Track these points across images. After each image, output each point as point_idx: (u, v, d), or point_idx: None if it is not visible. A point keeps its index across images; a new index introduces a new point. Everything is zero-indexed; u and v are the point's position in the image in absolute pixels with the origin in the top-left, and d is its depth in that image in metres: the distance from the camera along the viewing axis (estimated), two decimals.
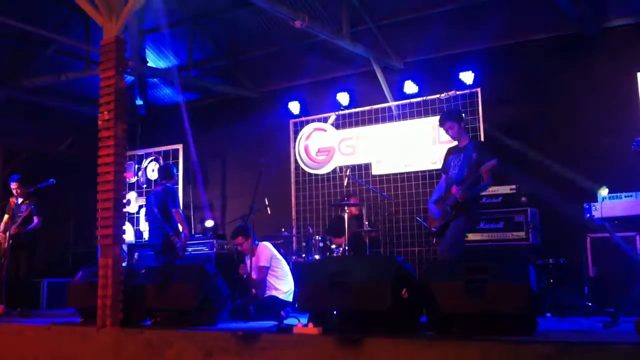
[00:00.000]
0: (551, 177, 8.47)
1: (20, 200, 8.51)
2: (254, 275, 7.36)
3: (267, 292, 7.38)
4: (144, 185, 11.47)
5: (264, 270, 7.35)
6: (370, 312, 4.88)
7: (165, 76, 11.46)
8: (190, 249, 9.41)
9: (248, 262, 7.44)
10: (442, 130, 6.75)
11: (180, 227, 7.97)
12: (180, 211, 8.09)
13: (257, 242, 7.60)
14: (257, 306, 6.97)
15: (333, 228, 8.96)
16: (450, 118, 6.22)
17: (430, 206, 6.27)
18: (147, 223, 8.67)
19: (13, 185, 8.55)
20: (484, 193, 7.67)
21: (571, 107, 8.50)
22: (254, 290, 7.33)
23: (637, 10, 8.15)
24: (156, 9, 10.20)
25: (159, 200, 8.07)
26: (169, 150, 11.33)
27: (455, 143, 6.37)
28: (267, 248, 7.54)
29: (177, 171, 8.71)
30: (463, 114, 6.52)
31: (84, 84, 11.36)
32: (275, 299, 7.25)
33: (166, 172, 8.42)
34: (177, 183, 8.66)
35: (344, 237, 8.24)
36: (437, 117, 6.64)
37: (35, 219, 8.42)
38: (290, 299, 7.43)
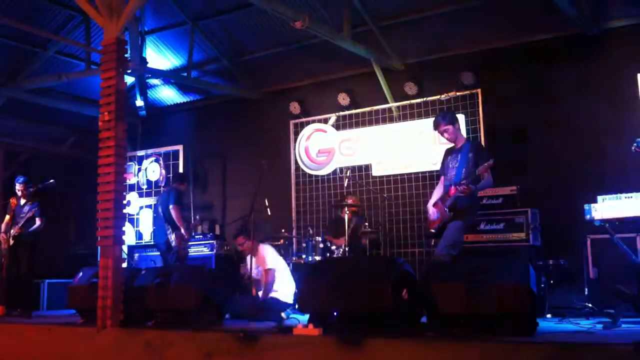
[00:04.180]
0: (551, 177, 8.48)
1: (23, 201, 8.52)
2: (257, 276, 7.37)
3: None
4: (144, 186, 11.48)
5: (271, 273, 7.33)
6: (370, 313, 4.89)
7: (165, 77, 11.48)
8: (190, 250, 9.42)
9: (248, 262, 7.45)
10: None
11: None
12: (179, 209, 8.15)
13: (258, 243, 7.61)
14: (258, 308, 6.96)
15: (332, 228, 8.97)
16: (444, 121, 6.21)
17: (429, 208, 6.27)
18: (154, 223, 8.76)
19: (19, 187, 8.57)
20: (484, 194, 7.70)
21: (571, 107, 8.50)
22: (254, 291, 7.32)
23: (638, 10, 8.16)
24: (157, 10, 10.25)
25: (164, 200, 8.21)
26: (169, 151, 11.33)
27: (452, 144, 6.36)
28: (270, 249, 7.56)
29: (189, 179, 8.96)
30: (457, 115, 6.50)
31: (85, 85, 11.37)
32: (276, 301, 7.25)
33: (177, 178, 8.66)
34: (186, 189, 8.84)
35: (342, 238, 8.24)
36: None
37: (38, 220, 8.44)
38: (290, 300, 7.44)
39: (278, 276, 7.39)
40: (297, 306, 7.32)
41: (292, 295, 7.47)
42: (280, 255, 8.65)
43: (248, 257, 7.54)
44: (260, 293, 7.37)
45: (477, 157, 5.98)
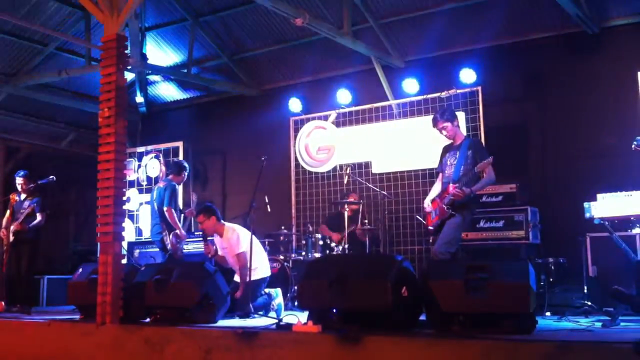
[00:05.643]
0: (551, 175, 8.49)
1: (23, 196, 8.51)
2: (223, 253, 7.24)
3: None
4: (144, 182, 11.47)
5: (243, 256, 6.95)
6: (370, 310, 4.89)
7: (165, 73, 11.48)
8: (190, 247, 9.41)
9: (217, 241, 7.30)
10: None
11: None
12: (175, 210, 7.98)
13: (223, 222, 7.33)
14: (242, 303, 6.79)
15: (332, 221, 8.97)
16: (443, 118, 6.21)
17: (427, 205, 6.27)
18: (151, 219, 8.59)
19: (19, 181, 8.55)
20: (484, 192, 7.69)
21: (571, 105, 8.51)
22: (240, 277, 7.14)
23: (638, 9, 8.15)
24: (157, 6, 10.24)
25: (159, 196, 8.07)
26: (169, 148, 11.32)
27: (451, 141, 6.36)
28: (235, 231, 7.18)
29: (187, 169, 8.54)
30: (456, 113, 6.50)
31: (85, 81, 11.36)
32: (250, 284, 6.93)
33: (175, 168, 8.37)
34: (182, 181, 8.57)
35: (341, 234, 8.22)
36: None
37: (39, 216, 8.41)
38: (267, 272, 7.24)
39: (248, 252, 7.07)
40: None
41: (266, 267, 7.27)
42: (280, 251, 8.68)
43: (216, 238, 7.33)
44: (236, 278, 7.21)
45: (476, 155, 5.98)
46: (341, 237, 8.40)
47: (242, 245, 7.02)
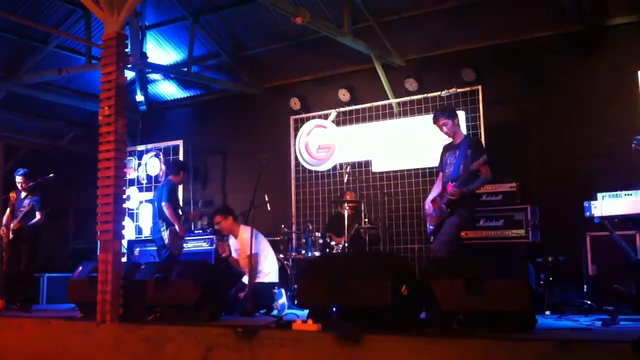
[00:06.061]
0: (551, 174, 8.49)
1: (23, 194, 8.51)
2: (237, 256, 7.29)
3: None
4: (144, 181, 11.48)
5: (255, 258, 7.06)
6: (370, 309, 4.89)
7: (166, 72, 11.47)
8: (190, 245, 9.41)
9: (231, 242, 7.37)
10: None
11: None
12: (174, 207, 8.00)
13: (239, 223, 7.49)
14: (246, 302, 6.80)
15: (333, 226, 8.96)
16: (443, 115, 6.21)
17: (427, 204, 6.27)
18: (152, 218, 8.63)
19: (19, 179, 8.55)
20: (484, 190, 7.69)
21: (572, 104, 8.50)
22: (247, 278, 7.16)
23: (638, 8, 8.15)
24: (157, 5, 10.24)
25: (158, 194, 8.09)
26: (169, 146, 11.33)
27: (451, 140, 6.35)
28: (250, 232, 7.20)
29: (187, 169, 8.55)
30: (457, 112, 6.49)
31: (85, 80, 11.36)
32: (259, 285, 7.06)
33: (173, 168, 8.39)
34: (182, 181, 8.58)
35: (343, 237, 8.22)
36: None
37: (38, 214, 8.41)
38: (275, 278, 7.29)
39: (261, 256, 7.21)
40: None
41: (276, 273, 7.33)
42: (280, 250, 8.67)
43: (231, 239, 7.44)
44: (245, 279, 7.23)
45: (475, 154, 5.98)
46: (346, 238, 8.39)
47: (255, 247, 7.08)
